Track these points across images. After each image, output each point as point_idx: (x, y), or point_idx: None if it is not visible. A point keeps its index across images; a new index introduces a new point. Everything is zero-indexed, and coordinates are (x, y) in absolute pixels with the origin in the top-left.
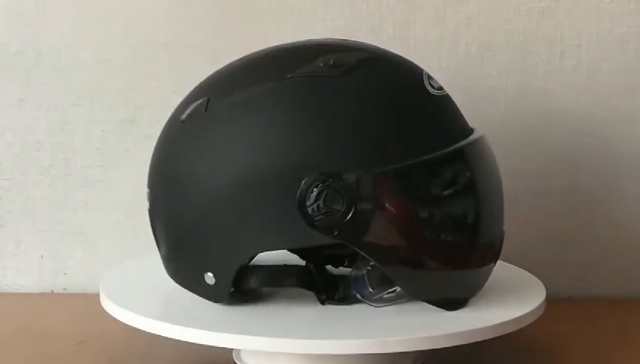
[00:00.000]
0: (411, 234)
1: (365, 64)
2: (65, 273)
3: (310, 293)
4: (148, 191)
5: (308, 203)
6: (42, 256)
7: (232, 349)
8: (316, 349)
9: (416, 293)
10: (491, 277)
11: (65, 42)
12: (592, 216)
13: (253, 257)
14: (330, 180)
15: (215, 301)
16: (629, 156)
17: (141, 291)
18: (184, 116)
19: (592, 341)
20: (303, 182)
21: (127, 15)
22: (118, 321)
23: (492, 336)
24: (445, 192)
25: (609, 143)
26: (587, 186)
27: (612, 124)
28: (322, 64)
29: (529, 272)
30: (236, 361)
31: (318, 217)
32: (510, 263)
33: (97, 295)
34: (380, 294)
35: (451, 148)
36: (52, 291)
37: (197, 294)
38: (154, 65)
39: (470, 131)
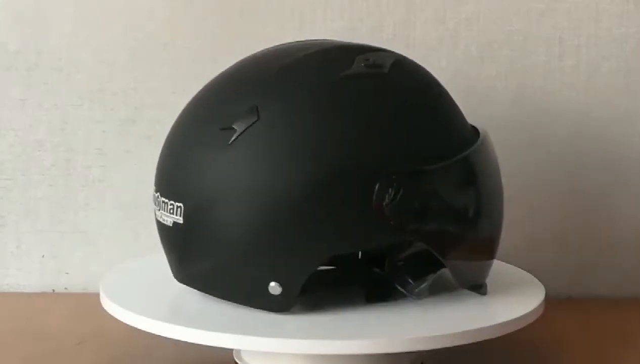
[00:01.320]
0: (468, 226)
1: (399, 64)
2: (67, 273)
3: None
4: (180, 205)
5: (384, 203)
6: (43, 256)
7: (232, 349)
8: (316, 349)
9: (464, 281)
10: (491, 277)
11: (65, 42)
12: (592, 215)
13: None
14: (403, 178)
15: (278, 311)
16: (628, 156)
17: (141, 291)
18: (232, 124)
19: (592, 341)
20: (378, 182)
21: (128, 15)
22: (119, 320)
23: (491, 337)
24: (483, 185)
25: (608, 143)
26: (586, 186)
27: (611, 124)
28: (363, 64)
29: (529, 272)
30: (237, 361)
31: (394, 217)
32: (510, 263)
33: (98, 295)
34: (420, 286)
35: (479, 141)
36: (53, 290)
37: (255, 306)
38: (155, 66)
39: (469, 125)
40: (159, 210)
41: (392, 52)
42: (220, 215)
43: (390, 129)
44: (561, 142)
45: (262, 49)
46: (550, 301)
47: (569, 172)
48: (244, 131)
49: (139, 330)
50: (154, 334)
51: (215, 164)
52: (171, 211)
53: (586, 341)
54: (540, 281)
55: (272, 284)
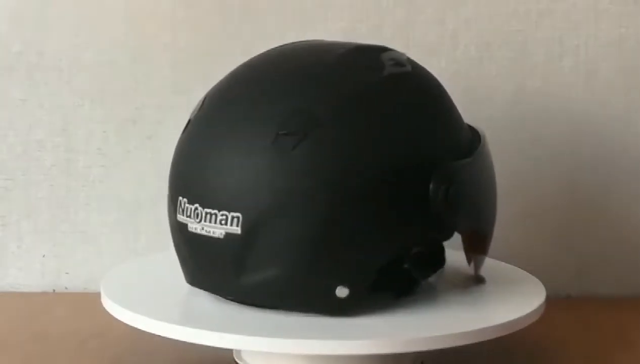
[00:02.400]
0: (487, 219)
1: (410, 62)
2: (67, 273)
3: None
4: (237, 215)
5: (439, 199)
6: (43, 256)
7: (232, 349)
8: (316, 349)
9: (478, 274)
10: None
11: (66, 42)
12: (591, 215)
13: None
14: (453, 173)
15: (343, 315)
16: (627, 156)
17: (142, 291)
18: (291, 129)
19: (591, 340)
20: (433, 179)
21: (128, 16)
22: (119, 320)
23: (492, 337)
24: (491, 179)
25: (607, 143)
26: (586, 186)
27: (610, 125)
28: (392, 63)
29: (528, 271)
30: (237, 361)
31: (447, 212)
32: (510, 262)
33: (99, 294)
34: (433, 279)
35: (483, 136)
36: (54, 290)
37: (319, 313)
38: (155, 66)
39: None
40: (198, 222)
41: (393, 50)
42: (285, 223)
43: (432, 126)
44: (561, 142)
45: (262, 49)
46: (549, 301)
47: (569, 172)
48: (306, 135)
49: (140, 330)
50: (154, 334)
51: (278, 170)
52: (223, 222)
53: (586, 341)
54: (539, 280)
55: (340, 287)
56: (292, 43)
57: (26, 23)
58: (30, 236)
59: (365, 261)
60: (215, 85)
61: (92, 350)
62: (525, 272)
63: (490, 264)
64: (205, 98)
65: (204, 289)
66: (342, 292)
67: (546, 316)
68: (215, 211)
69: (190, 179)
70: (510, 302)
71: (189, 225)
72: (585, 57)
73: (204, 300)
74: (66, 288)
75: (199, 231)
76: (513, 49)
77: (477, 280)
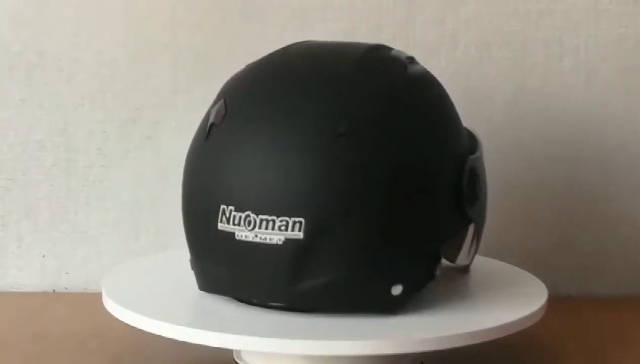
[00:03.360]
0: (486, 211)
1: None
2: (67, 273)
3: None
4: (299, 220)
5: (467, 192)
6: (43, 256)
7: (232, 349)
8: (316, 349)
9: (469, 265)
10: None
11: (66, 42)
12: (591, 215)
13: None
14: (476, 167)
15: (395, 313)
16: (627, 156)
17: (142, 292)
18: (342, 130)
19: (591, 340)
20: (464, 172)
21: (128, 16)
22: (119, 320)
23: (493, 338)
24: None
25: (607, 143)
26: (586, 186)
27: (610, 125)
28: (409, 62)
29: (528, 271)
30: (237, 361)
31: (473, 204)
32: (509, 262)
33: (99, 294)
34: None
35: (471, 129)
36: (54, 290)
37: (372, 312)
38: (155, 66)
39: None
40: (250, 229)
41: (393, 48)
42: (347, 225)
43: (454, 121)
44: (560, 143)
45: (261, 49)
46: (549, 301)
47: (568, 172)
48: (360, 136)
49: (140, 330)
50: (154, 334)
51: (339, 172)
52: (283, 228)
53: (585, 341)
54: (539, 280)
55: (395, 285)
56: (300, 43)
57: (26, 23)
58: (30, 236)
59: (415, 256)
60: (233, 88)
61: (91, 350)
62: (526, 272)
63: (491, 265)
64: (224, 101)
65: (243, 298)
66: (396, 290)
67: (546, 316)
68: (273, 217)
69: (237, 186)
70: (512, 303)
71: (237, 233)
72: (585, 57)
73: (204, 301)
74: (66, 288)
75: (250, 238)
76: (513, 49)
77: (463, 270)
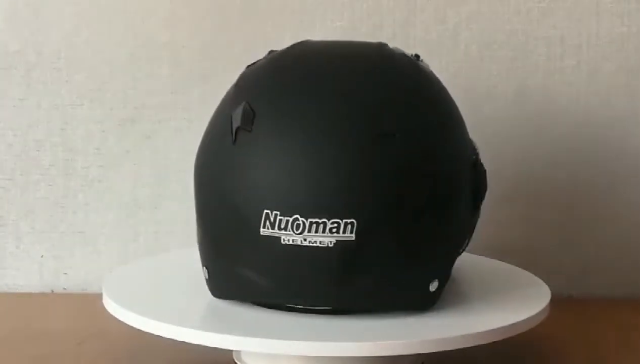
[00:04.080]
0: None
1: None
2: (65, 273)
3: None
4: (351, 221)
5: (482, 186)
6: (42, 256)
7: (232, 350)
8: (316, 350)
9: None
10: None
11: (65, 42)
12: (592, 215)
13: None
14: (482, 164)
15: (430, 309)
16: (629, 155)
17: (142, 292)
18: (381, 130)
19: (593, 341)
20: (478, 168)
21: (127, 15)
22: (118, 321)
23: (495, 340)
24: None
25: (609, 143)
26: (587, 186)
27: (612, 124)
28: (416, 59)
29: (529, 271)
30: (236, 362)
31: (482, 199)
32: (511, 262)
33: (97, 295)
34: None
35: None
36: (52, 291)
37: (412, 309)
38: (154, 66)
39: None
40: (299, 233)
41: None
42: (396, 223)
43: (461, 117)
44: (561, 142)
45: (262, 48)
46: (550, 301)
47: (569, 172)
48: (399, 135)
49: (138, 331)
50: (153, 335)
51: (385, 172)
52: (334, 230)
53: (587, 341)
54: (542, 281)
55: (433, 281)
56: (302, 43)
57: (24, 22)
58: (29, 237)
59: (448, 252)
60: (253, 90)
61: (90, 350)
62: (529, 273)
63: (493, 266)
64: (248, 105)
65: (282, 303)
66: (433, 286)
67: (547, 317)
68: (324, 220)
69: (283, 190)
70: (515, 304)
71: (283, 238)
72: (586, 57)
73: (204, 301)
74: (65, 289)
75: (299, 242)
76: (514, 48)
77: None
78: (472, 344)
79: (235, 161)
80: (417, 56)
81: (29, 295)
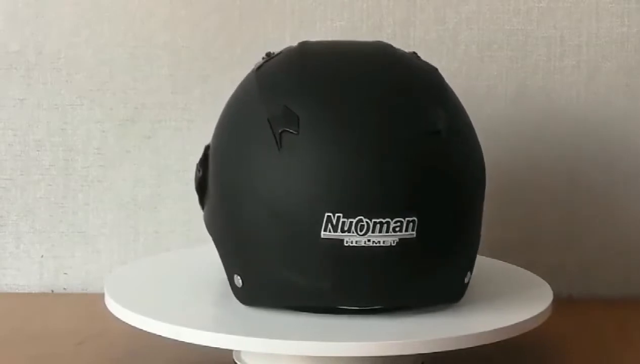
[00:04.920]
0: None
1: None
2: (66, 273)
3: None
4: (413, 219)
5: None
6: (42, 256)
7: (232, 350)
8: (315, 351)
9: None
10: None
11: (65, 42)
12: (592, 215)
13: None
14: None
15: (458, 301)
16: (628, 155)
17: (143, 292)
18: (432, 128)
19: (593, 340)
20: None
21: (127, 15)
22: (118, 321)
23: (498, 340)
24: None
25: (608, 143)
26: (586, 186)
27: (611, 124)
28: (414, 56)
29: (529, 271)
30: (236, 362)
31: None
32: (511, 262)
33: (98, 295)
34: None
35: None
36: (52, 291)
37: (450, 301)
38: (154, 66)
39: None
40: (362, 234)
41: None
42: (453, 219)
43: None
44: (561, 142)
45: (261, 48)
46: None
47: (569, 172)
48: (446, 132)
49: (138, 331)
50: (154, 334)
51: (441, 169)
52: (397, 229)
53: (587, 341)
54: (544, 281)
55: (467, 273)
56: (305, 43)
57: (24, 22)
58: (29, 237)
59: (478, 244)
60: (291, 92)
61: (90, 351)
62: (531, 273)
63: (495, 266)
64: (288, 108)
65: (338, 304)
66: (467, 277)
67: (547, 317)
68: (388, 219)
69: (345, 192)
70: (517, 304)
71: (346, 240)
72: (586, 56)
73: (204, 300)
74: (65, 289)
75: (362, 243)
76: (514, 48)
77: None
78: (473, 345)
79: (283, 165)
80: (415, 54)
81: (29, 295)
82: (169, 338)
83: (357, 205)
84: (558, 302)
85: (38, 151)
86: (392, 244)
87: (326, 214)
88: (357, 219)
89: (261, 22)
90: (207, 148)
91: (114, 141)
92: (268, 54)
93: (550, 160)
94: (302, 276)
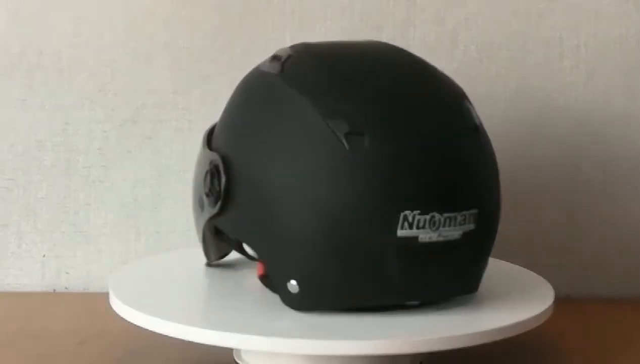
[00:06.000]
0: None
1: None
2: (67, 273)
3: None
4: (474, 211)
5: None
6: (44, 256)
7: (232, 349)
8: (315, 349)
9: None
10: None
11: (66, 43)
12: (592, 215)
13: None
14: None
15: (475, 291)
16: (627, 155)
17: (146, 291)
18: (475, 124)
19: (591, 340)
20: None
21: (128, 16)
22: (119, 320)
23: (499, 339)
24: None
25: (607, 143)
26: (586, 186)
27: (610, 125)
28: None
29: (530, 271)
30: (237, 361)
31: None
32: (510, 262)
33: (99, 294)
34: None
35: None
36: (54, 290)
37: (471, 291)
38: (155, 66)
39: None
40: (435, 230)
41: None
42: (498, 207)
43: None
44: (561, 142)
45: (261, 48)
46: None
47: (569, 172)
48: (482, 128)
49: (140, 330)
50: (154, 334)
51: (489, 162)
52: (462, 222)
53: (586, 341)
54: (545, 280)
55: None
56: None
57: (26, 23)
58: (31, 236)
59: None
60: (349, 98)
61: (92, 350)
62: (532, 272)
63: (495, 265)
64: (348, 112)
65: (409, 300)
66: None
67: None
68: (455, 214)
69: (420, 189)
70: (519, 303)
71: (420, 236)
72: (585, 57)
73: (204, 300)
74: (66, 288)
75: (434, 239)
76: (513, 49)
77: None
78: (473, 344)
79: (351, 167)
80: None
81: (31, 295)
82: (169, 338)
83: (431, 201)
84: (557, 302)
85: (40, 151)
86: (458, 237)
87: (402, 213)
88: (430, 215)
89: (261, 22)
90: (222, 157)
91: (115, 141)
92: (276, 57)
93: (549, 160)
94: (374, 276)
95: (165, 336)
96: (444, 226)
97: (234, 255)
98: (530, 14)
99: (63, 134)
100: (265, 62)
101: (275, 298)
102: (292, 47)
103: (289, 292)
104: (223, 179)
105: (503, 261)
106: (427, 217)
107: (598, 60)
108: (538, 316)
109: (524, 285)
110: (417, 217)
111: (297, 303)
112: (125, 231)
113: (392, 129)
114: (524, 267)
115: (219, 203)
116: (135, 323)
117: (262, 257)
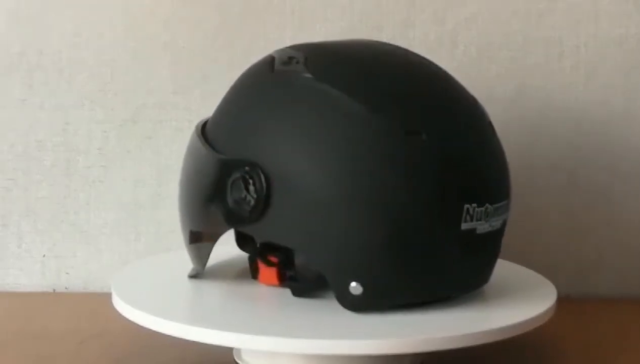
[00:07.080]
0: None
1: None
2: (67, 273)
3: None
4: (506, 202)
5: None
6: (44, 256)
7: (232, 348)
8: (316, 349)
9: None
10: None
11: (66, 42)
12: (592, 215)
13: None
14: None
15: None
16: (627, 156)
17: (145, 290)
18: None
19: (591, 341)
20: None
21: (128, 15)
22: (120, 320)
23: (497, 340)
24: None
25: (607, 143)
26: (585, 186)
27: (610, 125)
28: None
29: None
30: (237, 360)
31: None
32: (510, 262)
33: (99, 294)
34: None
35: None
36: (54, 290)
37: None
38: (155, 66)
39: None
40: (487, 220)
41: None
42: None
43: None
44: (561, 142)
45: (262, 48)
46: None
47: (569, 172)
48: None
49: (140, 329)
50: (155, 333)
51: (502, 153)
52: (502, 212)
53: (585, 341)
54: (547, 280)
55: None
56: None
57: (26, 23)
58: (31, 236)
59: None
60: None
61: (92, 350)
62: (533, 272)
63: (498, 265)
64: (403, 113)
65: (460, 292)
66: None
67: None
68: (499, 203)
69: (475, 182)
70: (521, 303)
71: (478, 228)
72: (585, 57)
73: (204, 300)
74: (66, 288)
75: (486, 229)
76: (513, 49)
77: None
78: (475, 344)
79: (414, 165)
80: None
81: (31, 294)
82: (169, 338)
83: (485, 194)
84: (557, 302)
85: (40, 151)
86: (499, 227)
87: (465, 206)
88: (484, 206)
89: (261, 22)
90: (253, 163)
91: (115, 141)
92: (291, 58)
93: (549, 160)
94: (437, 270)
95: (166, 336)
96: (492, 216)
97: (233, 255)
98: (530, 14)
99: (63, 134)
100: (277, 63)
101: (274, 297)
102: (296, 47)
103: (351, 294)
104: (264, 186)
105: (504, 261)
106: (483, 209)
107: (598, 60)
108: (540, 316)
109: (525, 285)
110: (476, 209)
111: (359, 304)
112: (125, 231)
113: (444, 126)
114: (524, 266)
115: (258, 210)
116: (137, 323)
117: (315, 262)
